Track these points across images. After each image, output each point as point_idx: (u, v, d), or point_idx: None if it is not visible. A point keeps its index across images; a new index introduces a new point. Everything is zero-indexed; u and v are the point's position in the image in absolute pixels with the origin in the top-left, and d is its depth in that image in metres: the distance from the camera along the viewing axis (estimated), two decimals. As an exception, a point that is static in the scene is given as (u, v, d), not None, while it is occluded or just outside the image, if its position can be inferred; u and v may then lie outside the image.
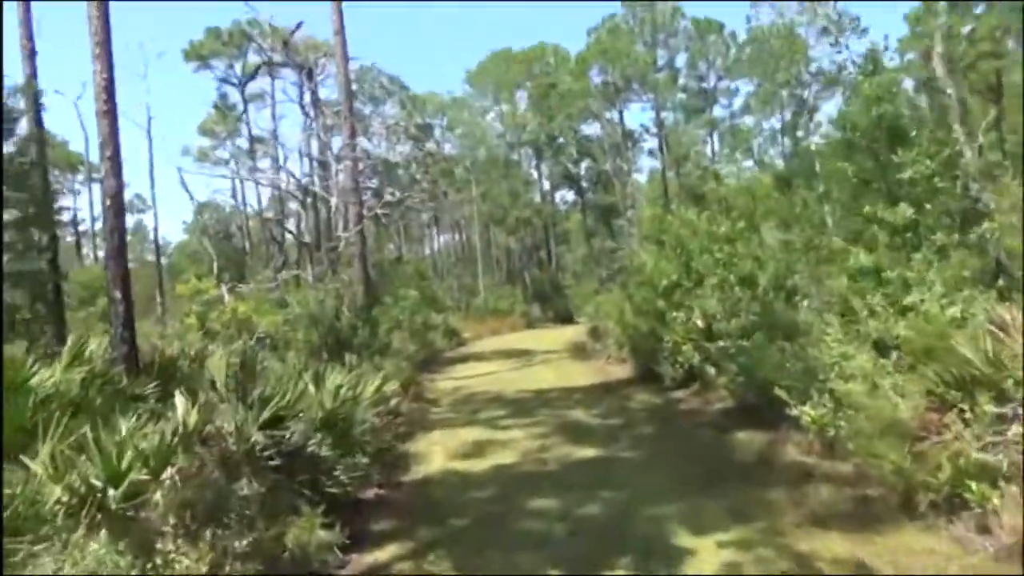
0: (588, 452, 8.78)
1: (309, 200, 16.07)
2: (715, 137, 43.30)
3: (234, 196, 36.09)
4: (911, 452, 5.95)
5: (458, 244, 58.60)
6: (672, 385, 13.24)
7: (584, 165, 29.85)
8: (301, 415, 6.81)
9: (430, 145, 22.51)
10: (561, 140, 28.57)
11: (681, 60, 42.12)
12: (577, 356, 20.73)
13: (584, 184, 29.55)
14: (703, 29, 41.58)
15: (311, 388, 7.91)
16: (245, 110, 34.14)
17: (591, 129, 33.36)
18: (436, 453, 9.26)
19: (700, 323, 13.06)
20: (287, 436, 6.28)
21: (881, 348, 8.09)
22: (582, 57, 39.81)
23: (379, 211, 17.26)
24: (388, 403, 10.09)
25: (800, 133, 29.44)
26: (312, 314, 12.53)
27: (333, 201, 14.46)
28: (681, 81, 42.56)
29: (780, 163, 29.92)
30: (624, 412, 11.47)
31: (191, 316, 15.00)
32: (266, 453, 5.89)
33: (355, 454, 7.50)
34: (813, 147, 20.88)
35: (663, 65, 40.73)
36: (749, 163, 39.81)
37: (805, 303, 11.01)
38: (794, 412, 7.97)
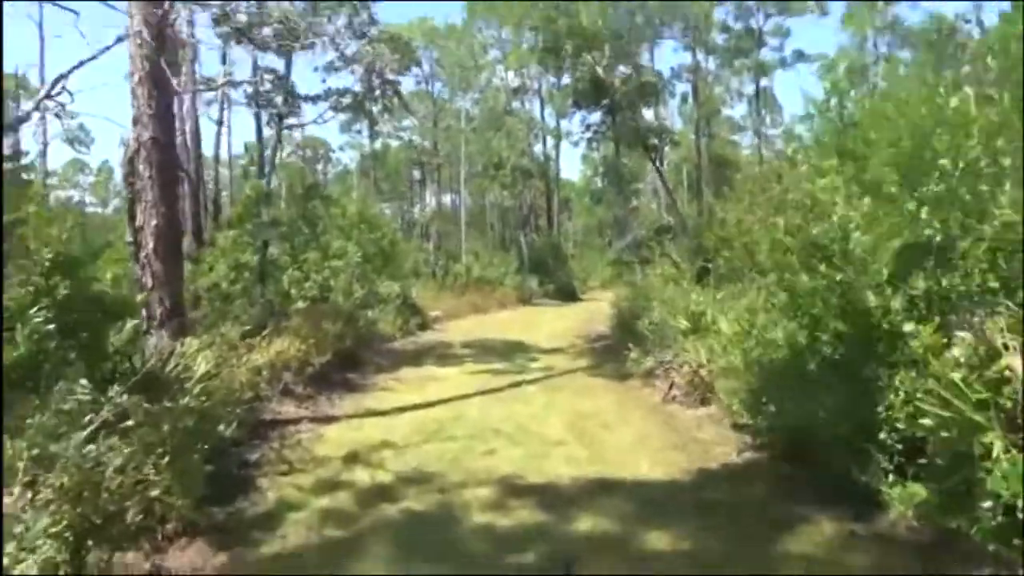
0: None
1: None
2: (759, 87, 33.69)
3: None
4: None
5: (451, 206, 49.38)
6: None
7: (618, 72, 20.23)
8: None
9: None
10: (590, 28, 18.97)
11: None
12: (601, 368, 11.70)
13: (616, 96, 19.84)
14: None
15: None
16: None
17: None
18: None
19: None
20: None
21: None
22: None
23: (235, 84, 8.24)
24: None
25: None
26: None
27: None
28: (719, 16, 32.79)
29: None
30: None
31: None
32: None
33: None
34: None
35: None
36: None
37: None
38: None
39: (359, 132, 45.70)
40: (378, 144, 43.04)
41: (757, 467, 6.01)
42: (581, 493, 5.54)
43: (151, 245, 6.61)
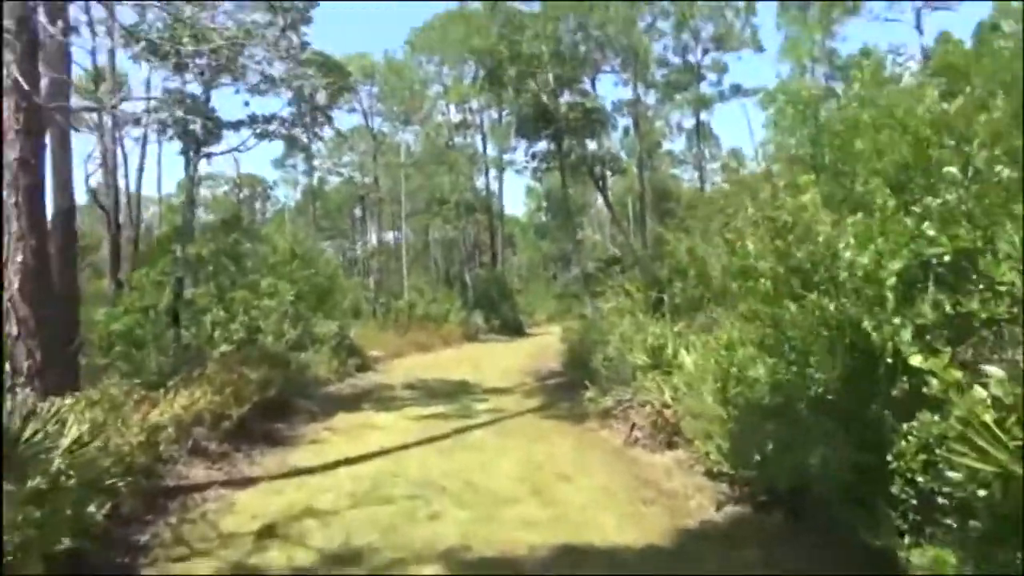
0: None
1: None
2: (699, 121, 33.85)
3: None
4: None
5: (394, 242, 48.14)
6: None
7: (563, 98, 19.62)
8: None
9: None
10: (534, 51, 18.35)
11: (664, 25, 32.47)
12: (554, 408, 10.84)
13: (562, 123, 19.15)
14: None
15: None
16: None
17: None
18: None
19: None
20: None
21: None
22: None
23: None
24: None
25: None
26: None
27: None
28: (658, 51, 32.88)
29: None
30: None
31: None
32: None
33: None
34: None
35: (645, 28, 30.87)
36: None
37: None
38: None
39: (293, 167, 44.50)
40: (315, 180, 41.70)
41: (743, 524, 5.18)
42: (541, 566, 4.60)
43: (16, 285, 5.45)
